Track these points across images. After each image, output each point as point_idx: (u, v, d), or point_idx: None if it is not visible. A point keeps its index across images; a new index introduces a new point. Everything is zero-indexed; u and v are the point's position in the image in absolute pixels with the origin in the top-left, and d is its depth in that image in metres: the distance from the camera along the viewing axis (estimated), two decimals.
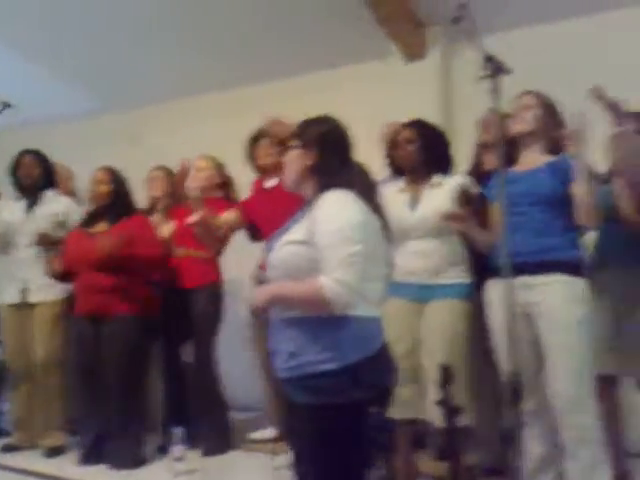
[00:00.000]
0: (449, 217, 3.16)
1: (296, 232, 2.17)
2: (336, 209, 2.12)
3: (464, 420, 2.94)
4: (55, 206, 4.52)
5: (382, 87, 4.93)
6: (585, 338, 2.88)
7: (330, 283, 2.03)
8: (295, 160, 2.28)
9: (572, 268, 2.90)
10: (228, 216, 4.13)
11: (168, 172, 4.71)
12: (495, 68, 2.55)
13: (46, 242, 4.36)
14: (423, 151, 3.42)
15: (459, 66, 4.82)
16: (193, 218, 3.91)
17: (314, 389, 2.08)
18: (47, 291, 4.37)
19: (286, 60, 5.41)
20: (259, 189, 4.21)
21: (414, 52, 4.93)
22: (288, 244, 2.17)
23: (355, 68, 5.24)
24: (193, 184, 4.25)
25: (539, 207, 2.94)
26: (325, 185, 2.20)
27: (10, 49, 5.94)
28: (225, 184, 4.49)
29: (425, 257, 3.33)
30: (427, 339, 3.32)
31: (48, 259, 4.26)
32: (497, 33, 4.19)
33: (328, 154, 2.24)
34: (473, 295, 3.35)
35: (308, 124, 2.33)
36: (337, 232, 2.07)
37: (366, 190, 2.24)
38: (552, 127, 3.05)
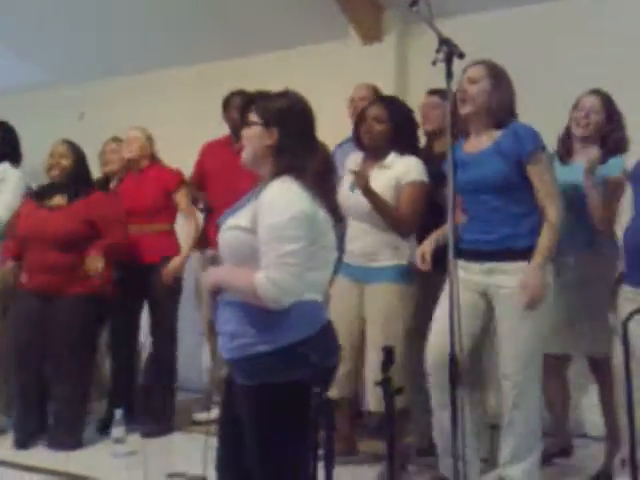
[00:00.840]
0: (356, 174, 3.19)
1: (241, 217, 2.13)
2: (278, 202, 2.06)
3: (400, 400, 2.98)
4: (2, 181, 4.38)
5: (340, 68, 4.90)
6: (538, 324, 2.90)
7: (263, 281, 2.00)
8: (254, 138, 2.19)
9: (530, 255, 2.89)
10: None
11: (120, 144, 4.66)
12: (449, 52, 2.54)
13: None
14: (390, 133, 3.41)
15: (416, 49, 4.80)
16: None
17: (251, 370, 2.09)
18: None
19: (244, 39, 5.34)
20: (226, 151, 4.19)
21: (372, 34, 4.91)
22: (232, 229, 2.14)
23: (313, 48, 5.20)
24: (126, 155, 4.35)
25: (491, 195, 2.91)
26: (282, 167, 2.14)
27: None
28: (153, 155, 4.45)
29: (361, 239, 3.37)
30: (367, 322, 3.39)
31: None
32: (453, 17, 4.21)
33: (289, 134, 2.15)
34: (412, 276, 3.37)
35: (268, 99, 2.22)
36: (275, 228, 2.02)
37: (321, 173, 2.21)
38: (501, 98, 2.96)
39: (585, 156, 3.22)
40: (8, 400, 4.30)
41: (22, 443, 3.94)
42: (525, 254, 2.87)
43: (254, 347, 2.08)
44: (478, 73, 2.96)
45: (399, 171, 3.38)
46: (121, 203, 4.22)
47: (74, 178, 4.09)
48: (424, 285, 3.39)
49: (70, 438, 3.91)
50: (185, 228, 4.33)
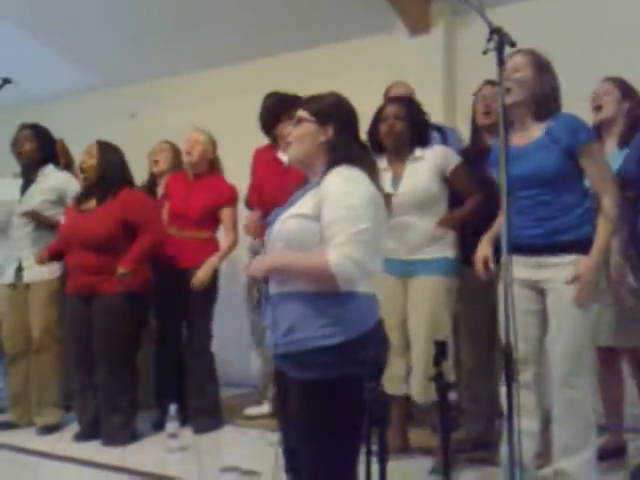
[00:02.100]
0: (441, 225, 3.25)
1: (303, 206, 2.13)
2: (347, 185, 2.08)
3: (454, 395, 2.97)
4: (50, 182, 4.45)
5: (388, 61, 4.87)
6: (589, 318, 2.85)
7: (338, 259, 1.99)
8: (307, 136, 2.21)
9: (581, 247, 2.83)
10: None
11: (172, 147, 4.69)
12: (500, 41, 2.50)
13: (36, 219, 4.33)
14: (410, 128, 3.43)
15: (464, 39, 4.76)
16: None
17: (311, 365, 2.07)
18: (41, 270, 4.33)
19: (291, 34, 5.35)
20: (271, 158, 4.19)
21: (419, 26, 4.88)
22: (294, 217, 2.13)
23: (360, 42, 5.19)
24: (187, 158, 4.32)
25: (543, 189, 2.84)
26: (337, 162, 2.15)
27: (12, 26, 5.91)
28: (214, 161, 4.45)
29: (407, 234, 3.35)
30: (411, 317, 3.38)
31: (40, 249, 4.25)
32: (502, 6, 4.15)
33: (343, 130, 2.20)
34: (456, 269, 3.39)
35: (318, 99, 2.26)
36: (348, 208, 2.03)
37: (371, 168, 2.20)
38: (545, 87, 2.90)
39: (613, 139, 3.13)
40: (65, 396, 4.40)
41: (80, 438, 4.03)
42: (574, 246, 2.82)
43: (312, 342, 2.06)
44: (521, 62, 2.90)
45: (437, 160, 3.42)
46: (155, 203, 4.28)
47: (102, 179, 4.11)
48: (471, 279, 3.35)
49: (123, 434, 3.98)
50: (223, 241, 4.34)
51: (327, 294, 2.05)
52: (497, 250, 3.08)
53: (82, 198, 4.17)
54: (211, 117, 4.84)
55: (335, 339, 2.04)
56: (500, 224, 3.00)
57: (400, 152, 3.46)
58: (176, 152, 4.67)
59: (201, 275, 4.15)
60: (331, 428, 2.09)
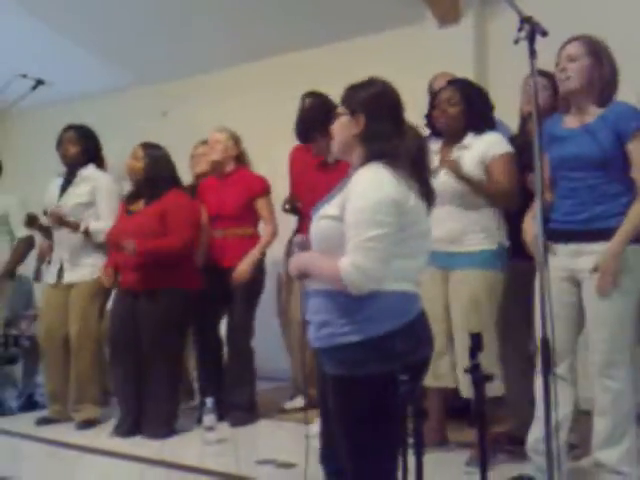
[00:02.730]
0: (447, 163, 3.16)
1: (331, 206, 2.14)
2: (365, 187, 2.05)
3: (493, 388, 2.95)
4: (87, 184, 4.46)
5: (417, 53, 4.84)
6: (629, 307, 2.82)
7: (347, 267, 2.00)
8: (342, 128, 2.20)
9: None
10: None
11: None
12: (532, 30, 2.47)
13: (57, 220, 4.34)
14: (464, 114, 3.36)
15: (494, 29, 4.72)
16: None
17: (339, 360, 2.09)
18: (82, 271, 4.40)
19: (320, 28, 5.36)
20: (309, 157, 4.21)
21: (448, 16, 4.84)
22: (323, 218, 2.14)
23: (389, 34, 5.17)
24: (209, 157, 4.35)
25: (592, 173, 2.81)
26: (373, 154, 2.13)
27: (44, 26, 5.99)
28: (239, 156, 4.45)
29: (446, 223, 3.27)
30: (452, 310, 3.35)
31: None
32: None
33: (376, 121, 2.14)
34: (503, 261, 3.32)
35: (354, 89, 2.22)
36: (361, 212, 2.01)
37: (414, 157, 2.16)
38: (603, 74, 2.86)
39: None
40: (104, 392, 4.46)
41: (120, 432, 4.08)
42: (609, 235, 2.78)
43: (342, 337, 2.07)
44: (577, 50, 2.87)
45: (480, 149, 3.34)
46: (197, 206, 4.28)
47: (150, 180, 4.15)
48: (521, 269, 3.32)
49: (164, 428, 4.02)
50: (263, 233, 4.37)
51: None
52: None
53: (131, 200, 4.22)
54: (242, 113, 4.88)
55: (362, 335, 2.04)
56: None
57: (453, 137, 3.40)
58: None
59: (241, 268, 4.17)
60: (366, 423, 2.08)
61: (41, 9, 5.86)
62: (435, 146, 3.44)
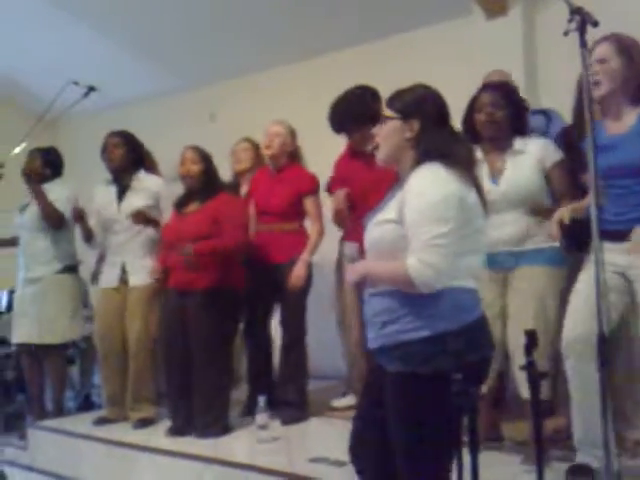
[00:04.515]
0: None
1: (389, 211, 2.15)
2: (426, 185, 2.07)
3: (546, 388, 2.91)
4: (148, 186, 4.52)
5: (465, 46, 4.79)
6: None
7: (416, 264, 2.01)
8: (393, 133, 2.20)
9: None
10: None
11: (253, 144, 4.72)
12: (582, 20, 2.43)
13: (142, 219, 4.41)
14: (510, 119, 3.28)
15: (542, 21, 4.63)
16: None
17: (405, 357, 2.09)
18: (142, 275, 4.46)
19: (367, 25, 5.35)
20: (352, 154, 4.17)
21: (496, 8, 4.78)
22: (381, 223, 2.16)
23: (437, 28, 5.13)
24: (267, 151, 4.33)
25: (636, 179, 2.75)
26: (425, 158, 2.13)
27: (92, 32, 6.11)
28: (294, 152, 4.45)
29: (508, 229, 3.21)
30: (513, 307, 3.27)
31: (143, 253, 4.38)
32: None
33: (429, 125, 2.15)
34: (566, 259, 3.25)
35: (403, 94, 2.23)
36: (425, 210, 2.03)
37: (465, 161, 2.17)
38: (636, 73, 2.80)
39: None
40: (158, 392, 4.52)
41: (174, 432, 4.11)
42: None
43: (409, 333, 2.08)
44: (606, 51, 2.81)
45: (538, 153, 3.25)
46: (246, 207, 4.31)
47: (205, 183, 4.17)
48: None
49: (216, 426, 4.04)
50: (310, 231, 4.34)
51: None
52: (581, 235, 3.01)
53: (183, 202, 4.23)
54: (290, 113, 4.87)
55: (425, 331, 2.06)
56: (587, 202, 2.95)
57: (499, 143, 3.31)
58: (257, 149, 4.71)
59: (296, 274, 4.16)
60: (427, 420, 2.10)
61: (90, 17, 5.98)
62: (478, 154, 3.35)
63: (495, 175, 3.26)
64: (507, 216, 3.21)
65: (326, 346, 4.70)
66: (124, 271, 4.51)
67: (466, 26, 4.92)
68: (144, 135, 4.95)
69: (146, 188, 4.52)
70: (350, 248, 4.09)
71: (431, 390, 2.06)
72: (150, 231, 4.48)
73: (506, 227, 3.22)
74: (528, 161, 3.24)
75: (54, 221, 4.85)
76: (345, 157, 4.27)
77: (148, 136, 5.04)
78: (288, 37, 5.67)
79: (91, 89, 4.50)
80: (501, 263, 3.24)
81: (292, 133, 4.41)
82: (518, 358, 3.18)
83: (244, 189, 4.62)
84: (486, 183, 3.15)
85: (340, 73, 4.38)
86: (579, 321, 2.79)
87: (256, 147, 4.72)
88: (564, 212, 2.89)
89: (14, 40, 6.31)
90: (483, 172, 3.20)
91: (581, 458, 2.88)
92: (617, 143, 2.78)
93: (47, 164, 5.07)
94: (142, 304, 4.45)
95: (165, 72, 6.54)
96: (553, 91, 3.69)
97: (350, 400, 4.38)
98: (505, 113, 3.28)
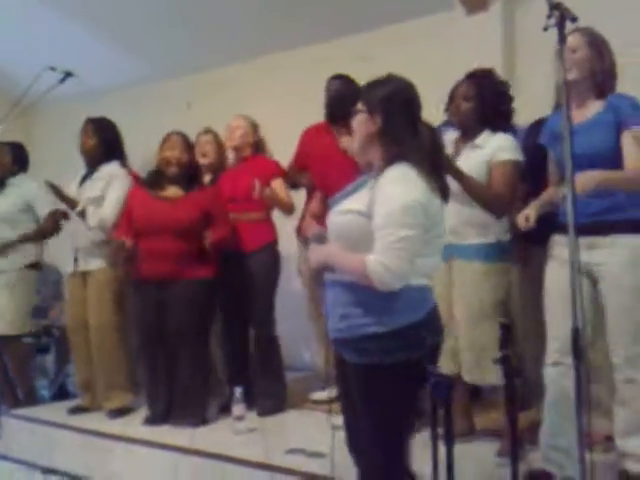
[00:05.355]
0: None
1: (357, 201, 2.18)
2: (395, 189, 2.11)
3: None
4: (102, 179, 4.41)
5: (445, 41, 4.80)
6: None
7: (375, 265, 2.06)
8: (360, 126, 2.25)
9: (636, 227, 2.80)
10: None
11: (216, 136, 4.67)
12: (561, 16, 2.44)
13: (57, 193, 4.31)
14: (477, 110, 3.32)
15: (522, 16, 4.65)
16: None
17: (362, 350, 2.16)
18: (96, 258, 4.40)
19: (345, 18, 5.33)
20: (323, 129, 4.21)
21: (476, 4, 4.78)
22: (349, 212, 2.18)
23: (417, 22, 5.12)
24: (229, 143, 4.41)
25: (596, 168, 2.74)
26: (391, 152, 2.18)
27: (68, 19, 6.05)
28: (257, 143, 4.49)
29: (451, 217, 3.12)
30: (455, 302, 3.36)
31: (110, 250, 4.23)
32: None
33: (393, 119, 2.19)
34: (502, 254, 3.34)
35: (372, 86, 2.27)
36: (392, 214, 2.07)
37: (431, 156, 2.20)
38: (603, 66, 2.86)
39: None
40: (135, 380, 4.51)
41: (151, 421, 4.11)
42: (630, 226, 2.79)
43: (364, 328, 2.14)
44: (576, 41, 2.85)
45: (489, 151, 3.30)
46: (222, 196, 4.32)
47: (190, 170, 4.18)
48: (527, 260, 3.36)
49: (194, 417, 4.04)
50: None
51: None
52: (545, 228, 3.06)
53: (155, 185, 4.17)
54: (266, 104, 4.88)
55: (384, 327, 2.12)
56: (549, 194, 2.99)
57: (468, 133, 3.37)
58: (219, 141, 4.67)
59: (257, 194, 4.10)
60: (390, 409, 2.17)
61: (68, 2, 5.91)
62: (451, 138, 3.43)
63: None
64: (449, 206, 3.24)
65: (303, 337, 4.71)
66: (77, 257, 4.46)
67: (446, 21, 4.92)
68: (120, 122, 4.91)
69: (104, 179, 4.41)
70: (316, 230, 4.13)
71: (394, 380, 2.13)
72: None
73: (447, 218, 3.25)
74: (479, 157, 3.29)
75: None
76: (315, 132, 4.33)
77: (125, 123, 5.00)
78: (266, 28, 5.63)
79: (68, 74, 4.45)
80: (444, 254, 3.27)
81: (254, 126, 4.48)
82: (462, 347, 3.32)
83: (207, 178, 4.55)
84: None
85: (318, 66, 4.36)
86: (556, 327, 2.86)
87: (218, 139, 4.69)
88: (530, 211, 2.91)
89: None
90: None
91: (544, 463, 2.93)
92: (578, 131, 2.76)
93: (16, 160, 5.06)
94: (100, 292, 4.39)
95: (143, 60, 6.48)
96: (531, 86, 3.71)
97: (330, 392, 4.39)
98: (472, 105, 3.33)
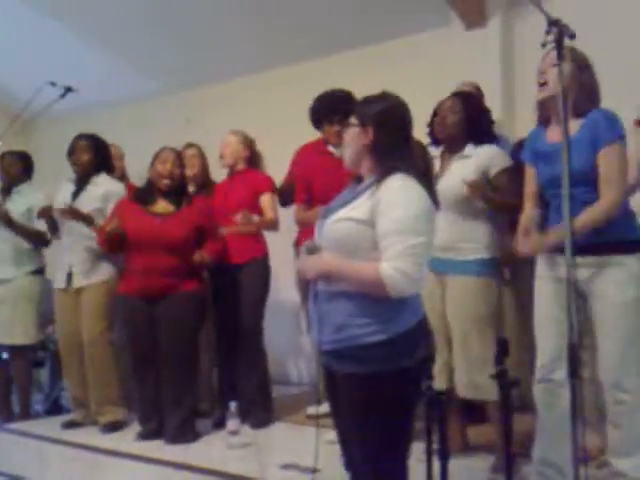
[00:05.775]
0: (471, 185, 3.13)
1: (357, 209, 2.19)
2: (404, 197, 2.13)
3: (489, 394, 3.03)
4: (100, 190, 4.44)
5: (443, 56, 4.83)
6: (638, 317, 2.79)
7: (390, 271, 2.07)
8: (353, 139, 2.29)
9: (625, 247, 2.79)
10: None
11: (199, 150, 4.77)
12: (560, 32, 2.45)
13: (73, 215, 4.30)
14: (463, 124, 3.37)
15: (521, 32, 4.68)
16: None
17: (359, 359, 2.15)
18: (91, 275, 4.40)
19: (345, 33, 5.36)
20: (320, 149, 4.21)
21: (475, 19, 4.82)
22: (347, 220, 2.19)
23: (415, 38, 5.15)
24: (222, 160, 4.49)
25: (581, 188, 2.74)
26: (382, 165, 2.21)
27: (72, 35, 6.10)
28: (252, 158, 4.52)
29: (446, 230, 3.25)
30: (449, 317, 3.37)
31: (96, 229, 4.20)
32: None
33: (384, 133, 2.23)
34: (496, 271, 3.38)
35: (366, 102, 2.32)
36: (403, 221, 2.09)
37: (423, 171, 2.25)
38: (583, 83, 2.84)
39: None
40: (127, 394, 4.47)
41: (144, 436, 4.08)
42: (616, 247, 2.78)
43: (362, 339, 2.14)
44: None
45: (482, 160, 3.34)
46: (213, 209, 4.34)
47: (181, 186, 4.20)
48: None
49: (187, 432, 4.02)
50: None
51: (372, 295, 2.13)
52: None
53: (145, 199, 4.17)
54: (263, 119, 4.88)
55: (383, 335, 2.12)
56: (527, 216, 3.02)
57: (451, 146, 3.42)
58: (202, 155, 4.78)
59: (238, 220, 4.15)
60: (381, 420, 2.15)
61: (70, 18, 5.95)
62: (435, 152, 3.49)
63: (439, 176, 3.36)
64: (441, 216, 3.17)
65: (296, 352, 4.69)
66: (70, 272, 4.44)
67: (445, 36, 4.95)
68: (120, 138, 4.92)
69: (100, 191, 4.45)
70: (309, 241, 4.12)
71: (389, 391, 2.12)
72: None
73: (440, 229, 3.23)
74: (469, 166, 3.32)
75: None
76: (311, 152, 4.30)
77: (124, 138, 5.02)
78: (264, 45, 5.67)
79: (68, 90, 4.47)
80: (438, 268, 3.30)
81: (245, 142, 4.51)
82: (456, 363, 3.31)
83: (191, 189, 4.60)
84: None
85: (317, 82, 4.37)
86: (543, 344, 2.88)
87: (202, 153, 4.79)
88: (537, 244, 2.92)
89: None
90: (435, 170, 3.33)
91: (536, 478, 2.92)
92: (557, 151, 2.76)
93: (25, 169, 5.09)
94: (92, 307, 4.39)
95: (142, 76, 6.50)
96: (530, 102, 3.70)
97: (325, 407, 4.36)
98: (458, 118, 3.38)
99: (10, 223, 4.71)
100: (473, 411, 3.66)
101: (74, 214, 4.29)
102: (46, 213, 4.58)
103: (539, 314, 2.96)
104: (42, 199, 4.86)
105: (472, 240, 3.34)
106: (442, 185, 3.27)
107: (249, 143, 4.53)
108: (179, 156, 4.23)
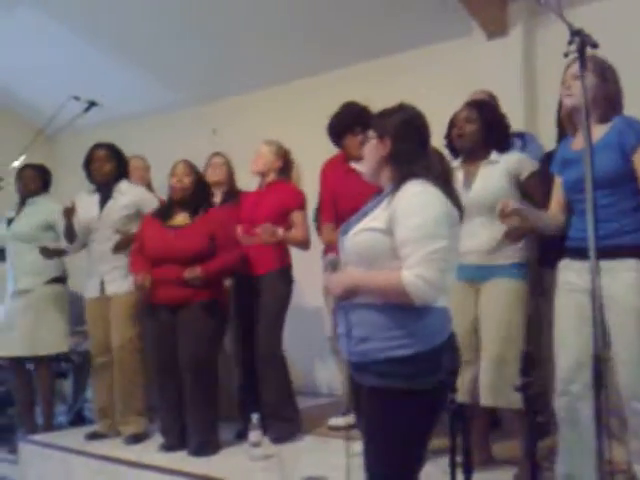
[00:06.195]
0: (501, 213, 3.02)
1: (376, 219, 2.18)
2: (420, 202, 2.13)
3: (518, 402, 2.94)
4: (128, 198, 4.52)
5: (464, 66, 4.82)
6: None
7: (412, 278, 2.05)
8: (371, 151, 2.31)
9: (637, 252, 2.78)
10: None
11: (225, 160, 4.80)
12: (582, 42, 2.43)
13: (125, 245, 4.39)
14: (482, 132, 3.37)
15: (543, 41, 4.65)
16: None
17: (381, 373, 2.13)
18: (122, 283, 4.44)
19: (367, 43, 5.37)
20: (344, 167, 4.18)
21: (496, 29, 4.80)
22: (367, 230, 2.18)
23: (437, 48, 5.15)
24: (253, 169, 4.45)
25: (603, 191, 2.74)
26: (402, 172, 2.21)
27: (95, 49, 6.17)
28: (284, 168, 4.49)
29: (478, 237, 3.26)
30: (483, 322, 3.33)
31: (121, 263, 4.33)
32: (581, 5, 4.04)
33: (402, 144, 2.24)
34: (528, 273, 3.36)
35: (383, 115, 2.34)
36: (421, 227, 2.08)
37: (442, 178, 2.23)
38: (607, 92, 2.85)
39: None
40: (150, 405, 4.49)
41: (167, 448, 4.08)
42: (632, 251, 2.76)
43: (387, 352, 2.12)
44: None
45: (512, 165, 3.35)
46: (236, 218, 4.35)
47: (194, 195, 4.20)
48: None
49: (209, 444, 4.01)
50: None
51: (399, 307, 2.11)
52: (549, 251, 3.04)
53: (166, 213, 4.22)
54: (290, 130, 4.88)
55: (409, 350, 2.10)
56: (549, 214, 3.03)
57: (473, 155, 3.41)
58: (228, 164, 4.82)
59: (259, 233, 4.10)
60: (407, 435, 2.13)
61: (92, 33, 6.01)
62: (455, 164, 3.46)
63: (467, 183, 3.36)
64: (477, 222, 3.28)
65: (322, 362, 4.67)
66: (103, 281, 4.49)
67: (466, 46, 4.94)
68: (146, 150, 4.95)
69: (127, 198, 4.52)
70: (331, 257, 4.10)
71: (406, 405, 2.11)
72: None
73: (477, 235, 3.28)
74: (498, 170, 3.34)
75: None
76: (337, 170, 4.25)
77: (149, 151, 5.05)
78: (290, 55, 5.69)
79: (92, 104, 4.52)
80: (472, 275, 3.29)
81: (279, 152, 4.47)
82: (487, 368, 3.25)
83: (217, 199, 4.63)
84: (460, 189, 3.19)
85: (342, 91, 4.38)
86: (563, 356, 2.86)
87: (227, 161, 4.83)
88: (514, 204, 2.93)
89: (15, 53, 6.32)
90: (458, 181, 3.28)
91: None
92: (580, 158, 2.76)
93: (43, 182, 5.16)
94: (123, 314, 4.42)
95: (167, 88, 6.56)
96: (552, 111, 3.68)
97: (349, 419, 4.34)
98: (476, 127, 3.38)
99: (48, 254, 4.74)
100: (497, 425, 3.64)
101: (128, 241, 4.38)
102: (69, 214, 4.54)
103: (557, 325, 2.95)
104: (57, 210, 4.88)
105: (508, 246, 3.29)
106: (474, 192, 3.30)
107: (282, 154, 4.49)
108: (187, 164, 4.23)
